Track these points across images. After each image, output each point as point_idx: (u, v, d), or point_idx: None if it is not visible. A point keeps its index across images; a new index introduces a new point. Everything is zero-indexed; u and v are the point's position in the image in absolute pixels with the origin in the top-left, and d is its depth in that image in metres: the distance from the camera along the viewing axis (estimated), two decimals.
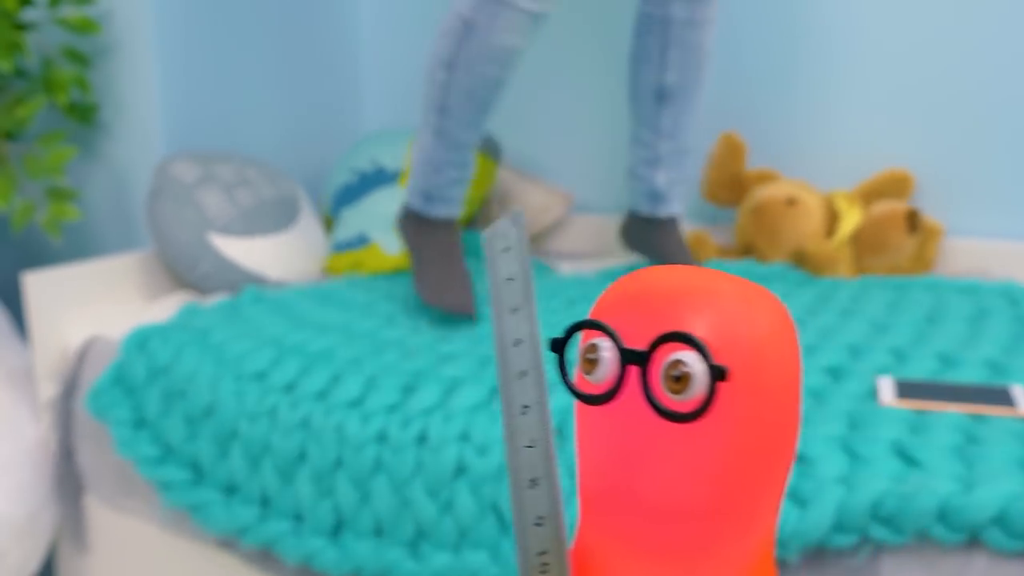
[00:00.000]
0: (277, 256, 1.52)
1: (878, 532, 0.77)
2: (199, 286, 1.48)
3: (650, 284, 0.28)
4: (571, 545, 0.30)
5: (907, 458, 0.82)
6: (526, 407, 0.29)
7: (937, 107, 1.50)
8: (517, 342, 0.29)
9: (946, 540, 0.76)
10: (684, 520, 0.27)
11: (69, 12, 1.61)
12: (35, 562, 1.37)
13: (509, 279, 0.30)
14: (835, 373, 1.02)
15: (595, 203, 1.81)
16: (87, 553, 1.41)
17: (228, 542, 1.15)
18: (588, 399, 0.28)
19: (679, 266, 0.29)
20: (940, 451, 0.81)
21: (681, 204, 1.40)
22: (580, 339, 0.29)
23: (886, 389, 0.95)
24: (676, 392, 0.26)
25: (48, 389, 1.38)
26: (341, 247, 1.62)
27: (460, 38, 1.15)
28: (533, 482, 0.28)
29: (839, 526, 0.79)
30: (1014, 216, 1.47)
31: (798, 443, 0.86)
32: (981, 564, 0.76)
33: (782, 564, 0.82)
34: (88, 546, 1.40)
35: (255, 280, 1.48)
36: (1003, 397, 0.92)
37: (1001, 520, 0.74)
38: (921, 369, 1.02)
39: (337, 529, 1.03)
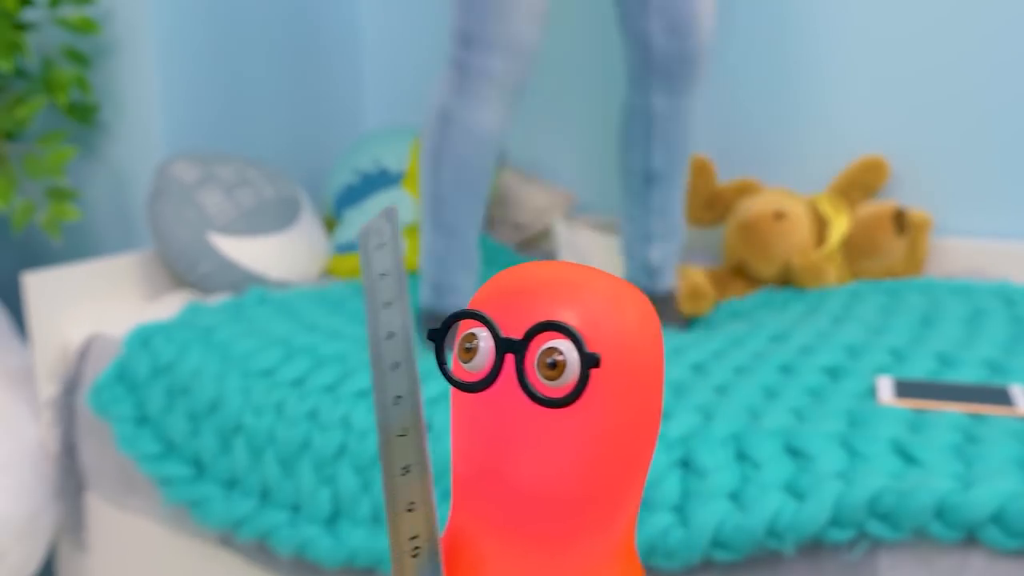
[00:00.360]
0: (278, 256, 1.52)
1: (875, 528, 0.77)
2: (200, 286, 1.48)
3: (526, 278, 0.30)
4: (443, 530, 0.31)
5: (906, 456, 0.82)
6: (399, 397, 0.30)
7: (931, 105, 1.51)
8: (390, 335, 0.30)
9: (944, 538, 0.76)
10: (553, 505, 0.29)
11: (69, 12, 1.61)
12: (35, 562, 1.37)
13: (383, 274, 0.31)
14: (833, 373, 1.03)
15: (595, 203, 1.81)
16: (87, 552, 1.41)
17: (226, 537, 1.15)
18: (465, 386, 0.29)
19: (554, 262, 0.31)
20: (939, 449, 0.82)
21: (674, 276, 1.43)
22: (456, 331, 0.30)
23: (885, 388, 0.96)
24: (550, 379, 0.27)
25: (48, 389, 1.38)
26: (344, 249, 1.62)
27: (440, 128, 1.21)
28: (405, 469, 0.29)
29: (836, 520, 0.79)
30: (1008, 215, 1.47)
31: (797, 439, 0.85)
32: (979, 562, 0.76)
33: (778, 556, 0.83)
34: (88, 545, 1.40)
35: (256, 280, 1.48)
36: (1002, 397, 0.93)
37: (999, 518, 0.74)
38: (920, 369, 1.02)
39: (333, 519, 1.04)
